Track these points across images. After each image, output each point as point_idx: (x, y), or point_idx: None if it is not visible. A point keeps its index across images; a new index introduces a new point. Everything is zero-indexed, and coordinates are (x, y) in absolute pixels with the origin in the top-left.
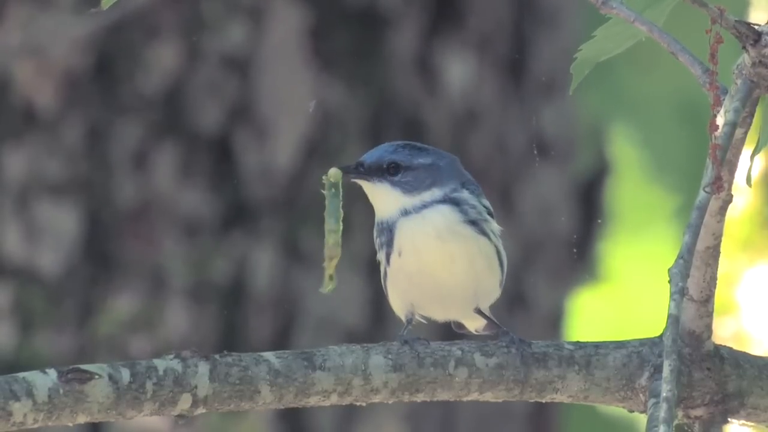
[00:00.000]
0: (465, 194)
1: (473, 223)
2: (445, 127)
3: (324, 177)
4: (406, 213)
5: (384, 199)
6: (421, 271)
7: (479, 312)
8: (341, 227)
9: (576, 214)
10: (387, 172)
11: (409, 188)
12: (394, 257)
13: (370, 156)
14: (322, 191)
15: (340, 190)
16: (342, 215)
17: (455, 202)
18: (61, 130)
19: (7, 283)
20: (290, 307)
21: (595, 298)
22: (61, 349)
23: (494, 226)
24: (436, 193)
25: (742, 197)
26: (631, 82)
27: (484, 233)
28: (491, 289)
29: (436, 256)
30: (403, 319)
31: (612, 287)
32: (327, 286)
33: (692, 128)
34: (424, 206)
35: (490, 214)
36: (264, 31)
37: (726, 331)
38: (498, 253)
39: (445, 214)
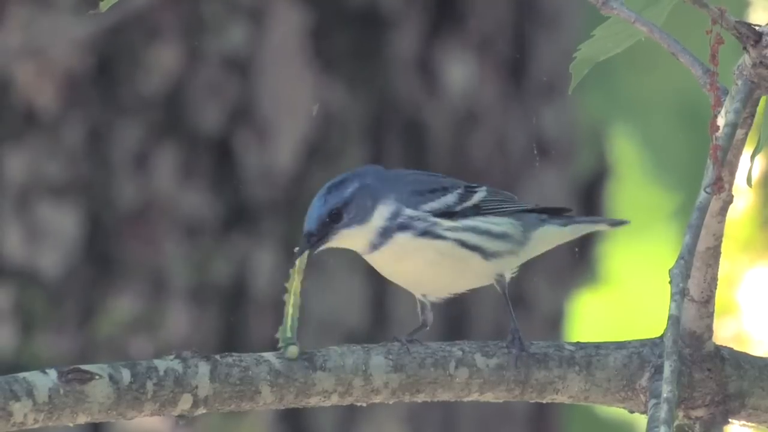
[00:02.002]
0: (406, 213)
1: (425, 233)
2: (446, 128)
3: (292, 270)
4: (373, 247)
5: (351, 242)
6: (402, 278)
7: (504, 296)
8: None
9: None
10: (334, 222)
11: (360, 219)
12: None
13: (312, 222)
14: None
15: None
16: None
17: (404, 227)
18: (61, 131)
19: (8, 284)
20: None
21: (595, 298)
22: (61, 351)
23: (446, 223)
24: (383, 211)
25: (743, 198)
26: (631, 83)
27: (437, 236)
28: (479, 270)
29: (406, 270)
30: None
31: (612, 288)
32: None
33: (692, 129)
34: (384, 235)
35: (442, 213)
36: (264, 32)
37: (726, 332)
38: (462, 243)
39: (399, 242)
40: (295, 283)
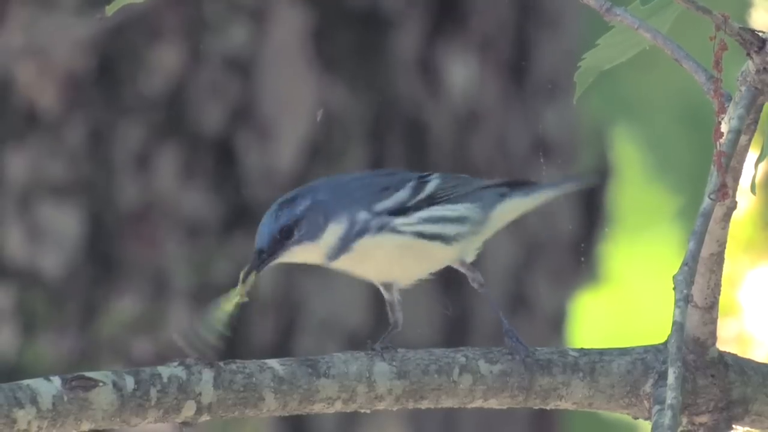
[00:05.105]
0: (360, 219)
1: (380, 229)
2: (447, 129)
3: (241, 286)
4: (331, 258)
5: (304, 257)
6: (366, 275)
7: (490, 301)
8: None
9: (578, 215)
10: (285, 238)
11: (311, 236)
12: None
13: (263, 239)
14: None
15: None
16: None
17: (360, 233)
18: (63, 132)
19: (10, 284)
20: (292, 309)
21: (597, 299)
22: (63, 351)
23: (400, 220)
24: (335, 229)
25: (744, 199)
26: (633, 83)
27: (394, 232)
28: (442, 256)
29: (368, 269)
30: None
31: (614, 288)
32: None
33: (694, 129)
34: (341, 247)
35: (396, 210)
36: (266, 33)
37: (728, 333)
38: (420, 234)
39: (357, 249)
40: (234, 301)
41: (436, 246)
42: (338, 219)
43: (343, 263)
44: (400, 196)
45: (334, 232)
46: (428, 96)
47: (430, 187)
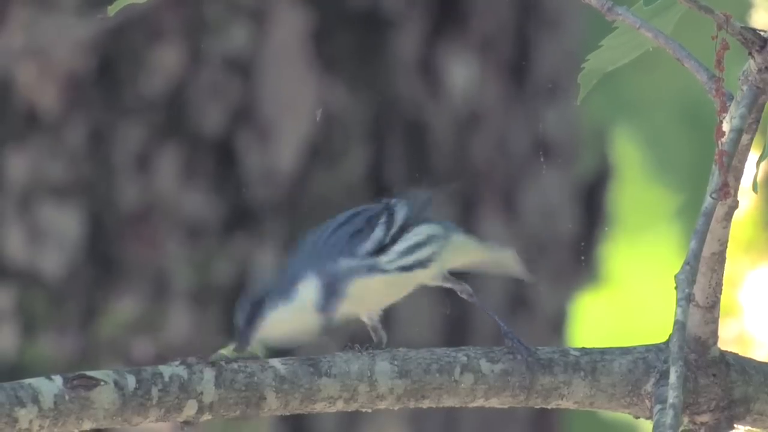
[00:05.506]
0: (346, 264)
1: (370, 271)
2: (448, 130)
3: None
4: (323, 310)
5: (295, 322)
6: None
7: (479, 305)
8: None
9: (579, 216)
10: (258, 309)
11: (284, 298)
12: None
13: (238, 319)
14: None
15: None
16: None
17: (348, 275)
18: (63, 133)
19: (10, 285)
20: None
21: (597, 299)
22: (63, 352)
23: (383, 258)
24: (308, 286)
25: (745, 200)
26: (634, 83)
27: (382, 271)
28: (423, 278)
29: (359, 307)
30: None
31: (614, 289)
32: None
33: (695, 129)
34: (329, 298)
35: (375, 251)
36: (266, 34)
37: (729, 333)
38: (402, 268)
39: (350, 292)
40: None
41: (418, 273)
42: (309, 277)
43: (341, 311)
44: (377, 235)
45: (307, 289)
46: (428, 97)
47: (399, 218)
